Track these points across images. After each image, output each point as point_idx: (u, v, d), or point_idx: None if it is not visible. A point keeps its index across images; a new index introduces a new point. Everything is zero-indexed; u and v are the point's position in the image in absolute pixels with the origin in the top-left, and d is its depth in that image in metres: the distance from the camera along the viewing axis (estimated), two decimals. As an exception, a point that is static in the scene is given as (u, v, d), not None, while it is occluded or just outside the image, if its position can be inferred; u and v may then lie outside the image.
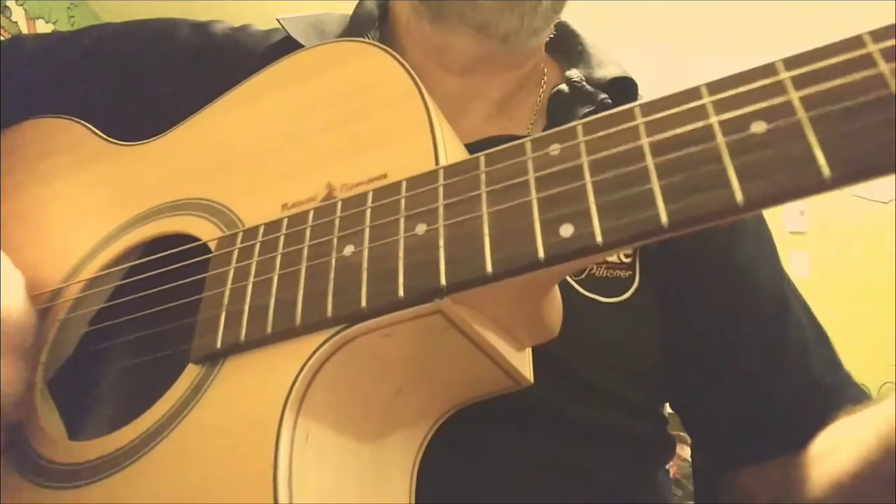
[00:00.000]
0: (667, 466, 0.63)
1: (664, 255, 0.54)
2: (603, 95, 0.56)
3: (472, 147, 0.41)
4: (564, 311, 0.40)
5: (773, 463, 0.53)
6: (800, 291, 0.60)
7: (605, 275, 0.53)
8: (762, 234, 0.60)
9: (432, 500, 0.41)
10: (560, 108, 0.57)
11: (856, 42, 0.27)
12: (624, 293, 0.53)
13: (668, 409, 0.62)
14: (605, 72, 0.58)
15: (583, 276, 0.52)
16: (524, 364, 0.40)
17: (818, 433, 0.51)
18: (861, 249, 2.67)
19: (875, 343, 2.19)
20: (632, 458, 0.54)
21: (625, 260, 0.53)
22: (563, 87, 0.58)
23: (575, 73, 0.58)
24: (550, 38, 0.62)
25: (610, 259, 0.53)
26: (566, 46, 0.63)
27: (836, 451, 0.47)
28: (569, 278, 0.51)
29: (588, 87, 0.57)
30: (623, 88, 0.57)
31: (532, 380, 0.41)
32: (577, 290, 0.51)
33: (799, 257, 2.65)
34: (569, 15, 0.62)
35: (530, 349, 0.41)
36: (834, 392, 0.54)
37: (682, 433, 0.63)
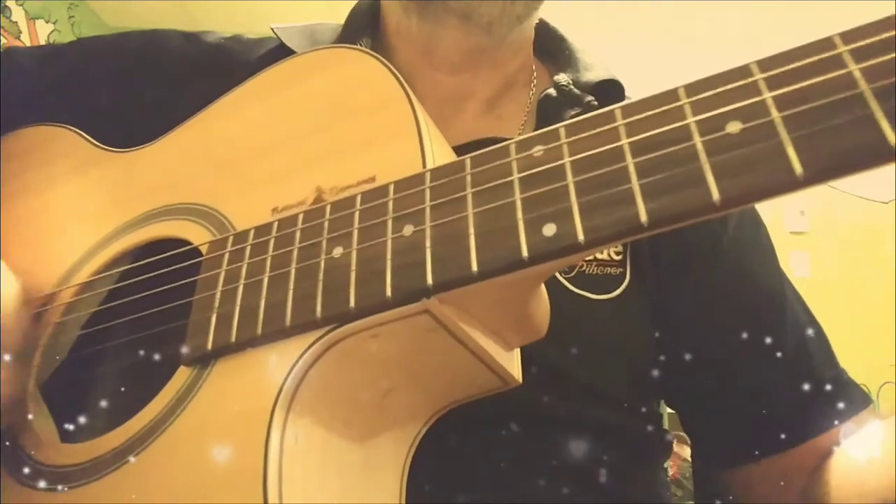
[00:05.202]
0: (666, 466, 0.63)
1: (652, 254, 0.55)
2: (589, 98, 0.57)
3: (463, 149, 0.42)
4: (555, 309, 0.40)
5: (771, 461, 0.54)
6: (797, 290, 0.60)
7: (595, 272, 0.53)
8: (759, 233, 0.61)
9: (423, 500, 0.41)
10: (548, 111, 0.58)
11: (826, 43, 0.28)
12: (615, 290, 0.53)
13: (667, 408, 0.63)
14: (592, 75, 0.59)
15: (573, 273, 0.52)
16: (512, 363, 0.40)
17: (814, 432, 0.51)
18: (861, 249, 2.67)
19: (875, 343, 2.19)
20: (627, 456, 0.54)
21: (615, 257, 0.54)
22: (552, 91, 0.59)
23: (563, 78, 0.59)
24: (538, 42, 0.63)
25: (600, 256, 0.53)
26: (554, 51, 0.64)
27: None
28: (559, 276, 0.51)
29: (575, 90, 0.58)
30: (610, 90, 0.58)
31: (520, 379, 0.41)
32: (567, 288, 0.52)
33: (799, 257, 2.65)
34: (555, 12, 0.63)
35: (518, 349, 0.41)
36: (831, 391, 0.55)
37: (682, 433, 0.63)
